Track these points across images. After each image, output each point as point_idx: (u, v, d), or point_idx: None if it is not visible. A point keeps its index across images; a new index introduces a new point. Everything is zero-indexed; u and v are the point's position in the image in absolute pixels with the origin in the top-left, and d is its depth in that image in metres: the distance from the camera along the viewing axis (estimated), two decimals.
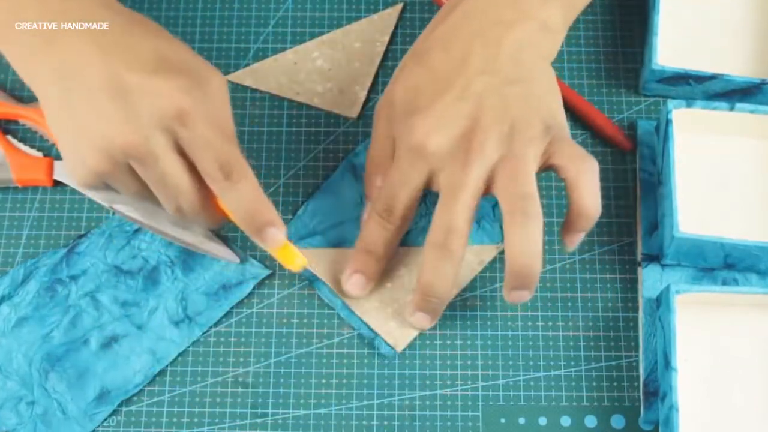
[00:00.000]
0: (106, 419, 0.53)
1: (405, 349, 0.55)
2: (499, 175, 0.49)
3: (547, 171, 0.50)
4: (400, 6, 0.64)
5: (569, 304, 0.56)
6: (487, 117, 0.48)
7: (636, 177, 0.58)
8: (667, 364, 0.50)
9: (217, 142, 0.48)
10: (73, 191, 0.59)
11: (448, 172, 0.49)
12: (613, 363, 0.54)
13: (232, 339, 0.55)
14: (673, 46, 0.59)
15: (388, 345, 0.54)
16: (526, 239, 0.48)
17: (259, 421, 0.53)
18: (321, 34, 0.63)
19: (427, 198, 0.56)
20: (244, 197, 0.49)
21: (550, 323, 0.55)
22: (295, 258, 0.52)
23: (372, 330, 0.54)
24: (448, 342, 0.55)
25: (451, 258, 0.49)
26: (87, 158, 0.47)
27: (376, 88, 0.62)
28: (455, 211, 0.48)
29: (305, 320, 0.56)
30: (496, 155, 0.48)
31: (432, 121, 0.49)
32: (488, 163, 0.48)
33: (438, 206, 0.49)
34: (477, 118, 0.49)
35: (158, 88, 0.46)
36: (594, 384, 0.54)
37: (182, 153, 0.48)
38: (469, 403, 0.54)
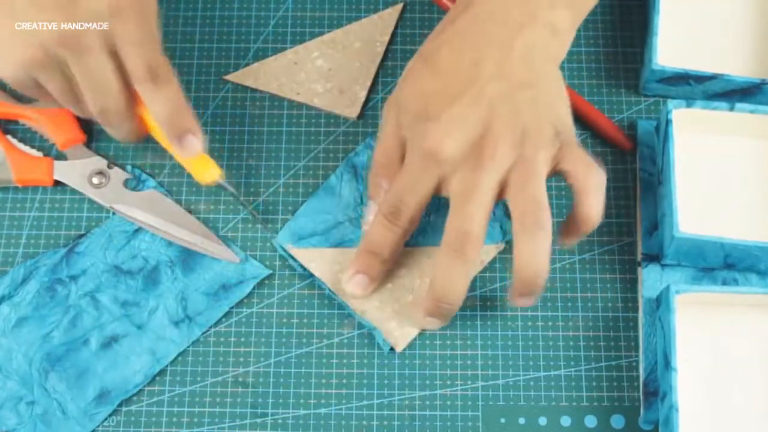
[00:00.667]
0: (106, 419, 0.53)
1: (405, 349, 0.55)
2: (511, 180, 0.49)
3: (556, 175, 0.50)
4: (400, 6, 0.64)
5: (569, 304, 0.56)
6: (499, 122, 0.48)
7: (636, 177, 0.58)
8: (667, 364, 0.50)
9: (147, 44, 0.51)
10: (73, 191, 0.59)
11: (461, 177, 0.49)
12: (613, 363, 0.54)
13: (232, 339, 0.55)
14: (673, 46, 0.59)
15: (388, 342, 0.54)
16: (536, 250, 0.48)
17: (259, 421, 0.53)
18: (321, 34, 0.63)
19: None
20: (168, 102, 0.52)
21: (550, 323, 0.55)
22: (209, 169, 0.54)
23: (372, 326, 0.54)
24: (448, 342, 0.55)
25: (465, 263, 0.49)
26: (21, 48, 0.50)
27: (376, 88, 0.62)
28: (470, 216, 0.48)
29: (305, 320, 0.56)
30: (508, 160, 0.48)
31: (445, 126, 0.49)
32: (501, 168, 0.48)
33: (451, 211, 0.49)
34: (489, 123, 0.49)
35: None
36: (594, 384, 0.54)
37: (113, 56, 0.51)
38: (469, 403, 0.54)
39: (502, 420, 0.53)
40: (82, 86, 0.52)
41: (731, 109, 0.55)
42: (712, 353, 0.53)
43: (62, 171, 0.58)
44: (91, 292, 0.56)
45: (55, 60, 0.50)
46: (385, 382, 0.54)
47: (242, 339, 0.55)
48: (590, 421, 0.53)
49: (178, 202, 0.58)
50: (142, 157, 0.59)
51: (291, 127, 0.60)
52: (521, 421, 0.53)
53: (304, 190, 0.59)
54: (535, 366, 0.54)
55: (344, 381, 0.54)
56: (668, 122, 0.54)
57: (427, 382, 0.54)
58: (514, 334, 0.55)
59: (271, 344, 0.55)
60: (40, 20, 0.49)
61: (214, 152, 0.58)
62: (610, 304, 0.56)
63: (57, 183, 0.58)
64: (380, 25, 0.63)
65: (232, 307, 0.56)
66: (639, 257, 0.56)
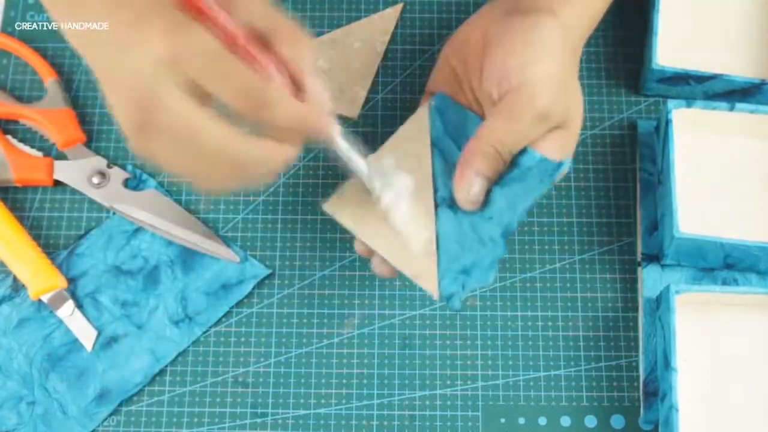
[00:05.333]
0: (106, 419, 0.53)
1: (405, 349, 0.55)
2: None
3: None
4: (400, 6, 0.64)
5: (569, 304, 0.56)
6: None
7: (636, 177, 0.58)
8: (667, 364, 0.50)
9: (227, 72, 0.40)
10: (73, 191, 0.59)
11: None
12: (613, 363, 0.54)
13: (232, 339, 0.55)
14: (673, 46, 0.59)
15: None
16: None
17: (259, 421, 0.53)
18: (321, 34, 0.63)
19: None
20: (290, 118, 0.42)
21: (550, 323, 0.55)
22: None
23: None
24: (448, 342, 0.55)
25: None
26: (119, 117, 0.42)
27: (376, 88, 0.62)
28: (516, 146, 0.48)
29: (305, 320, 0.56)
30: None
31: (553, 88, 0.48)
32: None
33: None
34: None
35: (143, 37, 0.41)
36: (594, 384, 0.54)
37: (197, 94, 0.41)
38: (469, 403, 0.54)
39: (502, 420, 0.53)
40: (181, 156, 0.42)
41: (731, 109, 0.55)
42: (712, 353, 0.53)
43: (62, 171, 0.58)
44: (92, 292, 0.56)
45: (152, 129, 0.41)
46: (385, 382, 0.54)
47: (242, 339, 0.55)
48: (590, 421, 0.53)
49: (178, 202, 0.58)
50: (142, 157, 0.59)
51: None
52: (521, 421, 0.53)
53: (304, 190, 0.59)
54: (535, 366, 0.54)
55: (344, 381, 0.54)
56: (668, 122, 0.54)
57: (427, 382, 0.54)
58: (514, 334, 0.55)
59: (271, 344, 0.55)
60: (119, 82, 0.41)
61: None
62: (610, 304, 0.56)
63: (57, 183, 0.58)
64: (380, 25, 0.63)
65: (232, 307, 0.56)
66: (639, 257, 0.56)
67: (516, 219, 0.49)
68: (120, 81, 0.41)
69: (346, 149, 0.46)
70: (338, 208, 0.50)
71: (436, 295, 0.48)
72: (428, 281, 0.49)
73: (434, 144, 0.52)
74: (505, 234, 0.49)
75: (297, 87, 0.43)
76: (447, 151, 0.51)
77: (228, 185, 0.44)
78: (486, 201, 0.49)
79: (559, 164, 0.47)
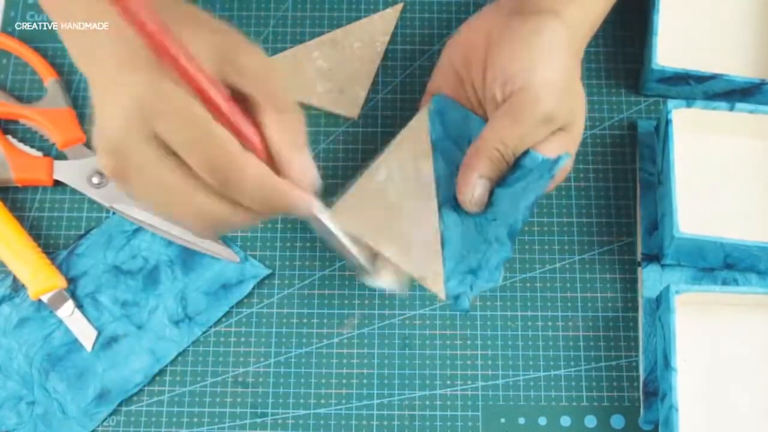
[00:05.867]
0: (106, 419, 0.53)
1: (405, 349, 0.55)
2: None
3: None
4: (400, 6, 0.64)
5: (569, 304, 0.56)
6: None
7: (636, 177, 0.58)
8: (667, 364, 0.50)
9: (195, 139, 0.39)
10: (73, 191, 0.59)
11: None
12: (613, 363, 0.54)
13: (232, 339, 0.55)
14: (673, 46, 0.59)
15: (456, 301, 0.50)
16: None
17: (259, 421, 0.53)
18: (321, 34, 0.63)
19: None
20: (254, 194, 0.41)
21: (550, 323, 0.55)
22: None
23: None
24: (448, 342, 0.55)
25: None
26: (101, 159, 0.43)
27: (376, 88, 0.61)
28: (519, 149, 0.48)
29: (305, 320, 0.56)
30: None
31: (556, 93, 0.48)
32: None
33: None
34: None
35: (120, 86, 0.41)
36: (594, 384, 0.54)
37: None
38: (469, 403, 0.54)
39: (502, 420, 0.53)
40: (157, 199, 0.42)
41: (731, 109, 0.55)
42: (711, 353, 0.53)
43: (62, 171, 0.58)
44: (92, 293, 0.56)
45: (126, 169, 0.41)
46: (385, 382, 0.54)
47: (242, 339, 0.55)
48: (590, 421, 0.53)
49: None
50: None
51: None
52: (521, 421, 0.53)
53: None
54: (535, 366, 0.54)
55: (344, 381, 0.54)
56: (668, 122, 0.54)
57: (427, 382, 0.54)
58: (514, 334, 0.55)
59: (271, 344, 0.55)
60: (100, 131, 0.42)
61: None
62: (610, 304, 0.56)
63: (57, 183, 0.58)
64: (380, 25, 0.63)
65: (232, 307, 0.56)
66: (639, 257, 0.56)
67: (520, 218, 0.49)
68: (100, 124, 0.42)
69: (331, 226, 0.45)
70: (342, 211, 0.50)
71: (442, 296, 0.48)
72: (435, 283, 0.49)
73: (435, 146, 0.52)
74: (512, 234, 0.49)
75: (277, 162, 0.42)
76: (448, 152, 0.51)
77: (205, 234, 0.44)
78: (489, 202, 0.49)
79: (557, 159, 0.47)
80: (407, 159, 0.51)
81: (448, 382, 0.54)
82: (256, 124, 0.42)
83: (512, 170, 0.48)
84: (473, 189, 0.48)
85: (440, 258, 0.49)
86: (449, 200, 0.50)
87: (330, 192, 0.58)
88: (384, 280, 0.50)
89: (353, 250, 0.47)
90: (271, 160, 0.42)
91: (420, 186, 0.50)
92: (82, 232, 0.58)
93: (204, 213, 0.41)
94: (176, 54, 0.39)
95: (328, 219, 0.45)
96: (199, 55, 0.40)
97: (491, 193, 0.49)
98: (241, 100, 0.42)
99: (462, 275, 0.49)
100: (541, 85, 0.47)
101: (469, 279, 0.49)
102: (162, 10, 0.39)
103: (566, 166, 0.49)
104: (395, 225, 0.50)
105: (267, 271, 0.56)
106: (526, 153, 0.48)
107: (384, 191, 0.51)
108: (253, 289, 0.56)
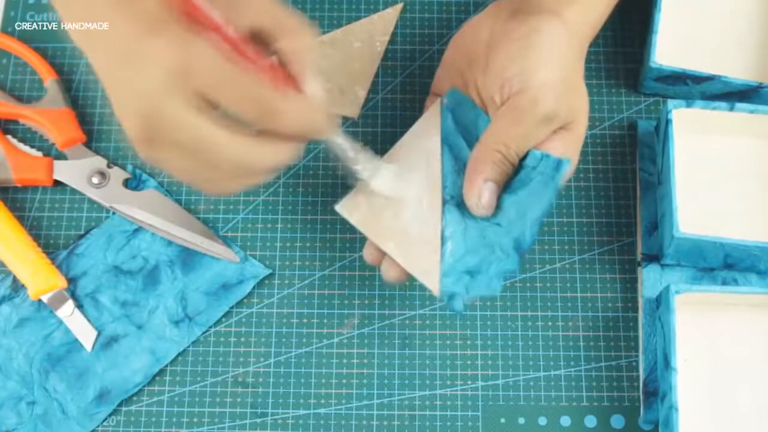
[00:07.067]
0: (106, 419, 0.53)
1: (405, 349, 0.55)
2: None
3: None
4: (400, 6, 0.64)
5: (569, 304, 0.56)
6: None
7: (636, 177, 0.58)
8: (667, 364, 0.50)
9: (235, 84, 0.41)
10: (73, 191, 0.59)
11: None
12: (613, 363, 0.54)
13: (232, 339, 0.55)
14: (672, 46, 0.59)
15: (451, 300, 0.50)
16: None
17: (258, 421, 0.53)
18: (321, 34, 0.63)
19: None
20: (296, 122, 0.43)
21: (550, 323, 0.55)
22: None
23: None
24: (448, 342, 0.55)
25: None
26: (128, 129, 0.43)
27: (376, 88, 0.62)
28: (522, 148, 0.48)
29: (305, 320, 0.56)
30: None
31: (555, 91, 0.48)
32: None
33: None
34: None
35: (151, 49, 0.41)
36: (594, 384, 0.54)
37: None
38: (469, 403, 0.54)
39: (502, 420, 0.53)
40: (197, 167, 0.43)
41: (731, 109, 0.55)
42: (712, 353, 0.53)
43: (62, 171, 0.58)
44: (92, 293, 0.56)
45: (162, 142, 0.42)
46: (385, 382, 0.54)
47: (242, 339, 0.55)
48: (590, 421, 0.53)
49: (178, 202, 0.58)
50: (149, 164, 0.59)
51: None
52: (521, 421, 0.53)
53: (304, 190, 0.59)
54: (535, 366, 0.54)
55: (344, 381, 0.54)
56: (668, 122, 0.54)
57: (427, 382, 0.54)
58: (514, 334, 0.55)
59: (271, 344, 0.55)
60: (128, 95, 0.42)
61: None
62: (610, 304, 0.56)
63: (57, 183, 0.58)
64: (380, 25, 0.63)
65: (232, 307, 0.56)
66: (639, 257, 0.56)
67: (528, 232, 0.48)
68: (127, 92, 0.42)
69: (342, 143, 0.48)
70: (350, 209, 0.50)
71: (436, 292, 0.48)
72: (431, 278, 0.49)
73: (444, 141, 0.52)
74: (518, 248, 0.49)
75: (295, 84, 0.44)
76: (456, 148, 0.51)
77: (234, 188, 0.45)
78: (497, 207, 0.49)
79: (559, 162, 0.47)
80: (417, 155, 0.51)
81: (448, 382, 0.54)
82: (272, 57, 0.44)
83: (516, 173, 0.48)
84: (479, 193, 0.48)
85: (438, 254, 0.49)
86: (454, 197, 0.50)
87: (330, 193, 0.58)
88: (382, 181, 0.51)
89: (355, 161, 0.49)
90: (291, 85, 0.44)
91: (428, 181, 0.50)
92: (82, 232, 0.58)
93: (237, 156, 0.42)
94: (195, 4, 0.41)
95: (341, 138, 0.48)
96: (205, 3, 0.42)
97: (499, 198, 0.49)
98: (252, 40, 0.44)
99: (459, 274, 0.49)
100: (540, 85, 0.47)
101: (465, 280, 0.49)
102: None
103: (570, 167, 0.49)
104: (400, 221, 0.50)
105: (267, 271, 0.56)
106: (527, 153, 0.48)
107: (391, 187, 0.51)
108: (253, 289, 0.56)
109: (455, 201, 0.50)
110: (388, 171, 0.50)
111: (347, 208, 0.50)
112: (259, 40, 0.44)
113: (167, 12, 0.42)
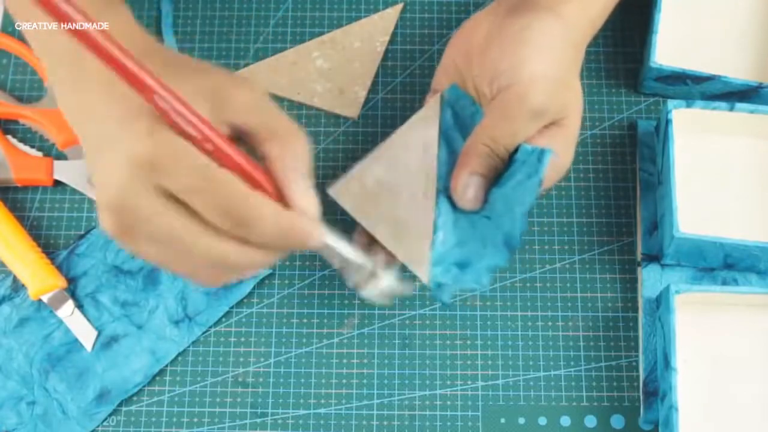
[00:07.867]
0: (106, 419, 0.53)
1: (405, 349, 0.55)
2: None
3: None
4: (400, 6, 0.64)
5: (569, 304, 0.56)
6: None
7: (636, 177, 0.58)
8: (667, 364, 0.50)
9: (205, 185, 0.38)
10: (73, 191, 0.59)
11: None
12: (613, 363, 0.54)
13: (232, 339, 0.55)
14: (672, 46, 0.59)
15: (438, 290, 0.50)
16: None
17: (258, 421, 0.53)
18: (321, 34, 0.63)
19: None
20: (271, 232, 0.40)
21: (550, 323, 0.55)
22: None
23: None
24: (448, 342, 0.55)
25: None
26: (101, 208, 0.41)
27: (376, 88, 0.62)
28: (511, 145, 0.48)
29: (305, 320, 0.56)
30: None
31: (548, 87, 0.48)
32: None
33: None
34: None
35: (120, 141, 0.39)
36: (594, 384, 0.54)
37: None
38: (469, 403, 0.54)
39: (502, 420, 0.53)
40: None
41: (731, 109, 0.55)
42: (712, 353, 0.53)
43: (62, 171, 0.58)
44: (92, 293, 0.56)
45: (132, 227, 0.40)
46: (385, 382, 0.54)
47: (242, 339, 0.55)
48: (590, 421, 0.53)
49: None
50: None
51: None
52: (521, 421, 0.53)
53: None
54: (535, 366, 0.54)
55: (344, 381, 0.54)
56: (668, 122, 0.54)
57: (427, 382, 0.54)
58: (514, 334, 0.55)
59: (271, 344, 0.55)
60: (99, 178, 0.40)
61: None
62: (610, 304, 0.56)
63: (57, 183, 0.58)
64: (380, 25, 0.63)
65: (232, 307, 0.56)
66: (639, 257, 0.56)
67: (517, 225, 0.48)
68: (101, 181, 0.40)
69: (341, 247, 0.45)
70: (342, 193, 0.51)
71: (425, 280, 0.48)
72: (421, 267, 0.49)
73: (442, 134, 0.52)
74: (508, 243, 0.49)
75: (282, 192, 0.41)
76: (453, 142, 0.51)
77: (218, 282, 0.43)
78: (485, 201, 0.49)
79: (542, 152, 0.47)
80: (414, 145, 0.52)
81: (448, 382, 0.54)
82: (258, 159, 0.41)
83: (506, 167, 0.49)
84: (465, 187, 0.48)
85: (429, 242, 0.49)
86: (447, 188, 0.50)
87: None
88: (380, 287, 0.49)
89: (358, 259, 0.47)
90: (277, 193, 0.41)
91: (423, 171, 0.51)
92: (82, 232, 0.58)
93: (214, 258, 0.40)
94: (170, 101, 0.38)
95: (334, 241, 0.45)
96: (189, 98, 0.38)
97: (489, 193, 0.49)
98: (237, 140, 0.41)
99: (448, 265, 0.49)
100: (529, 80, 0.47)
101: (454, 271, 0.49)
102: (143, 59, 0.37)
103: (562, 164, 0.49)
104: (392, 209, 0.50)
105: (267, 272, 0.56)
106: (518, 148, 0.48)
107: (386, 175, 0.51)
108: (253, 289, 0.56)
109: (448, 192, 0.50)
110: (387, 274, 0.49)
111: (339, 192, 0.51)
112: (246, 142, 0.41)
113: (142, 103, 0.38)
